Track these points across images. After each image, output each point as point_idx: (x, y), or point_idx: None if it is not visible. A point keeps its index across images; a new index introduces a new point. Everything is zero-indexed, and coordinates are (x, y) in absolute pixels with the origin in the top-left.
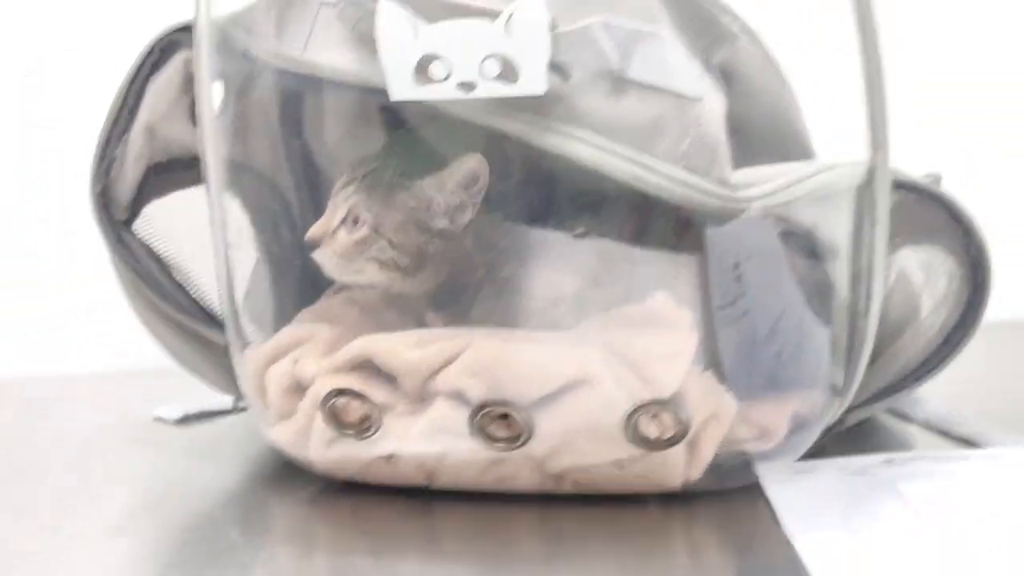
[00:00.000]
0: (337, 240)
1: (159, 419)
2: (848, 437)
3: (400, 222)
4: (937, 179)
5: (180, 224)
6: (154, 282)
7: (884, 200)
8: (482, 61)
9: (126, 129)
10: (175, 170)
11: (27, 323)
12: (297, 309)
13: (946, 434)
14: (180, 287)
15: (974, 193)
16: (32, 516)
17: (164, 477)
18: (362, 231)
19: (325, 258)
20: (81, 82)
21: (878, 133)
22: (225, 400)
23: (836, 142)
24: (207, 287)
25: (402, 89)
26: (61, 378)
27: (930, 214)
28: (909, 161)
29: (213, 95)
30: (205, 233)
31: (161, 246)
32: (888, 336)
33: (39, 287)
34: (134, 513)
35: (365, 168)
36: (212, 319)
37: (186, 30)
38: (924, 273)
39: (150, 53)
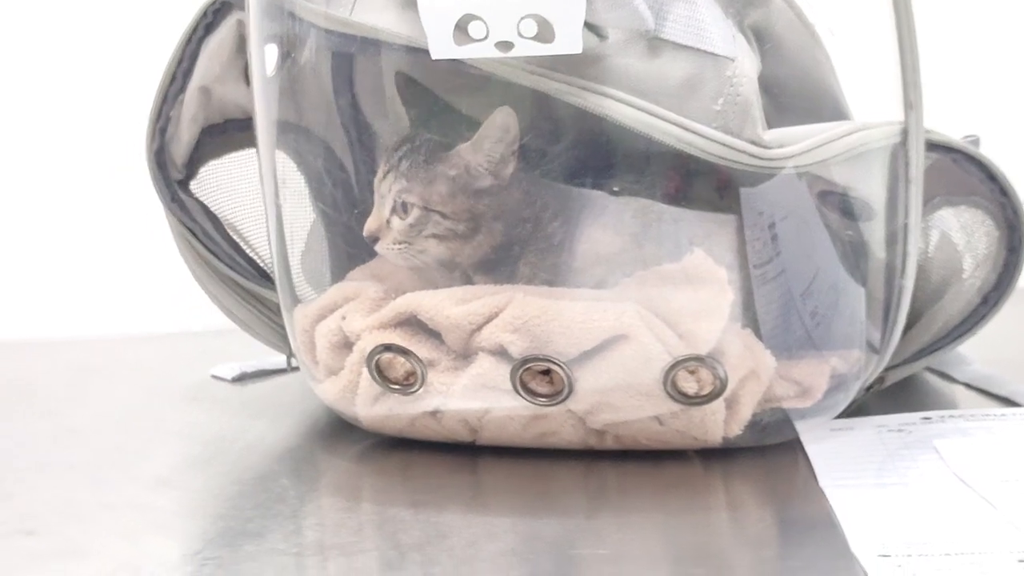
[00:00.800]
0: (393, 229)
1: (216, 377)
2: (891, 395)
3: (446, 193)
4: (976, 141)
5: (237, 184)
6: (209, 240)
7: (918, 160)
8: (519, 21)
9: (181, 90)
10: (230, 131)
11: (87, 285)
12: (351, 267)
13: (987, 393)
14: (235, 245)
15: (1014, 156)
16: (79, 471)
17: (218, 433)
18: (414, 213)
19: (386, 249)
20: (137, 43)
21: (911, 93)
22: (279, 359)
23: (873, 104)
24: (261, 246)
25: (442, 48)
26: (121, 338)
27: (967, 175)
28: (948, 123)
29: (265, 56)
30: (259, 193)
31: (217, 205)
32: (931, 296)
33: (99, 249)
34: (185, 466)
35: (399, 154)
36: (266, 277)
37: None
38: (965, 234)
39: (204, 15)
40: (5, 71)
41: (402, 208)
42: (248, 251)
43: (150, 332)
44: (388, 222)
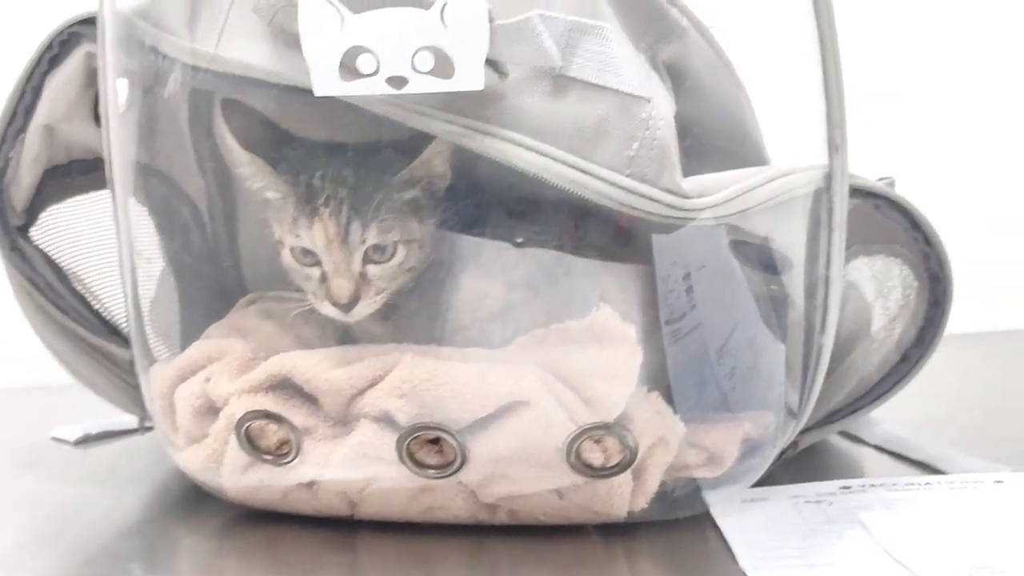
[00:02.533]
0: (373, 281)
1: (57, 440)
2: (798, 461)
3: (416, 220)
4: (891, 183)
5: (81, 231)
6: (52, 292)
7: (842, 207)
8: (414, 54)
9: (22, 129)
10: (75, 173)
11: None
12: (207, 322)
13: (902, 457)
14: (80, 298)
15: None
16: None
17: (61, 504)
18: (399, 252)
19: (367, 306)
20: None
21: (836, 134)
22: (127, 420)
23: (779, 143)
24: (108, 299)
25: (327, 84)
26: None
27: (888, 223)
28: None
29: (119, 92)
30: (106, 241)
31: (59, 254)
32: (839, 352)
33: None
34: (28, 545)
35: (335, 199)
36: (114, 333)
37: (88, 23)
38: (876, 283)
39: (48, 47)
40: None
41: (382, 251)
42: (94, 303)
43: None
44: (363, 274)
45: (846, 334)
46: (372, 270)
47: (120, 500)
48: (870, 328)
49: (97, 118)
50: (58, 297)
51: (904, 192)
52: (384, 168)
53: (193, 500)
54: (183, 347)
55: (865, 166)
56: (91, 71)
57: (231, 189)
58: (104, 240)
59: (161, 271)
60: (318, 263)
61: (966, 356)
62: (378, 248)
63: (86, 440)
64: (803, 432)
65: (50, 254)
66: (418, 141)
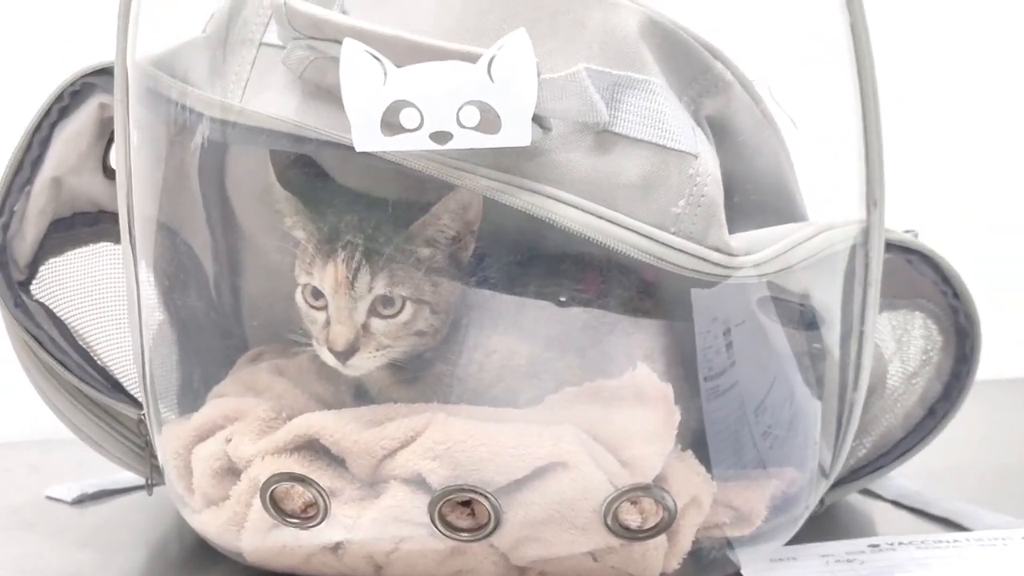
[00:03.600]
0: (376, 334)
1: (52, 499)
2: (815, 519)
3: (429, 282)
4: (915, 235)
5: (79, 285)
6: (55, 348)
7: (878, 261)
8: (460, 109)
9: (29, 181)
10: (77, 226)
11: None
12: (207, 378)
13: (921, 513)
14: (84, 354)
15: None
16: None
17: (57, 570)
18: (407, 309)
19: (365, 360)
20: None
21: (874, 190)
22: (125, 477)
23: (824, 199)
24: (108, 355)
25: (368, 140)
26: None
27: (918, 277)
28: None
29: (133, 144)
30: (106, 295)
31: (61, 308)
32: None
33: None
34: None
35: (349, 245)
36: (118, 389)
37: (101, 73)
38: (895, 338)
39: (59, 98)
40: None
41: (388, 304)
42: (97, 360)
43: None
44: (366, 326)
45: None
46: (376, 323)
47: (128, 563)
48: (885, 383)
49: (105, 170)
50: (62, 353)
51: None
52: (405, 221)
53: (200, 562)
54: (181, 405)
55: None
56: (103, 122)
57: (237, 244)
58: (104, 294)
59: (159, 324)
60: (325, 308)
61: (988, 404)
62: (385, 301)
63: (83, 499)
64: (830, 489)
65: (52, 309)
66: (436, 192)
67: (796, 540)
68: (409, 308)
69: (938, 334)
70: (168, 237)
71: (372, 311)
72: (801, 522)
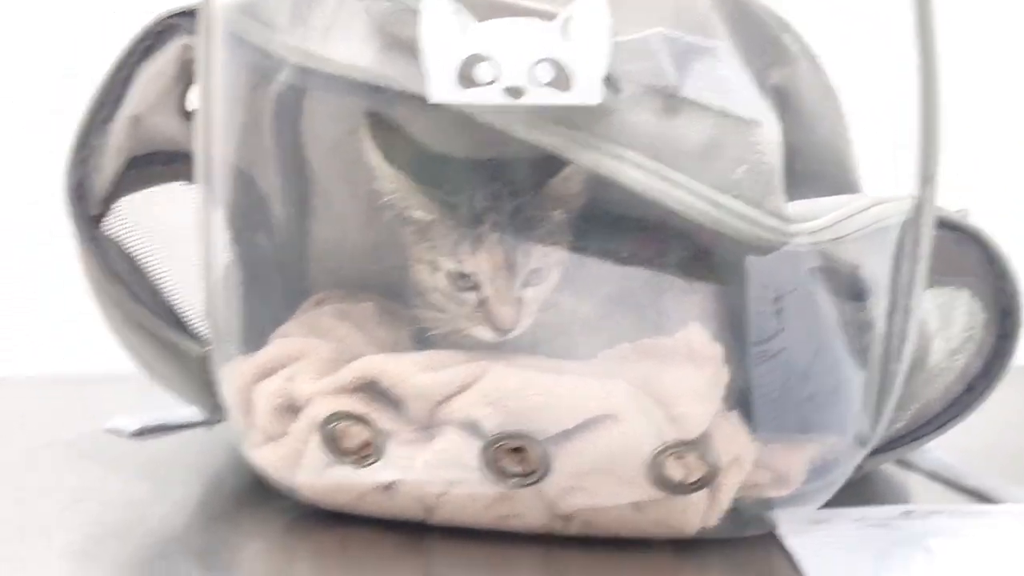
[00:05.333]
0: (527, 303)
1: (112, 431)
2: (851, 485)
3: (561, 243)
4: (965, 214)
5: (151, 223)
6: (126, 284)
7: (928, 237)
8: (533, 65)
9: (109, 118)
10: (154, 164)
11: None
12: (271, 319)
13: (954, 486)
14: (154, 290)
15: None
16: None
17: (116, 500)
18: (552, 274)
19: (519, 329)
20: (56, 65)
21: (929, 165)
22: (185, 413)
23: (879, 173)
24: (176, 292)
25: (444, 91)
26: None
27: (964, 256)
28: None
29: (213, 87)
30: (176, 234)
31: (133, 244)
32: None
33: None
34: (82, 544)
35: (502, 230)
36: (185, 326)
37: (186, 15)
38: (940, 314)
39: (143, 38)
40: None
41: (538, 275)
42: (166, 296)
43: (33, 375)
44: (519, 299)
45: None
46: (528, 293)
47: (178, 496)
48: (927, 359)
49: (183, 111)
50: (133, 289)
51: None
52: (533, 189)
53: (255, 498)
54: (245, 343)
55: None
56: (184, 64)
57: (309, 192)
58: (174, 233)
59: (227, 265)
60: (475, 288)
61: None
62: (536, 272)
63: (143, 433)
64: (867, 457)
65: (124, 245)
66: (551, 158)
67: (832, 504)
68: (555, 272)
69: (981, 311)
70: (242, 180)
71: (525, 283)
72: (837, 487)
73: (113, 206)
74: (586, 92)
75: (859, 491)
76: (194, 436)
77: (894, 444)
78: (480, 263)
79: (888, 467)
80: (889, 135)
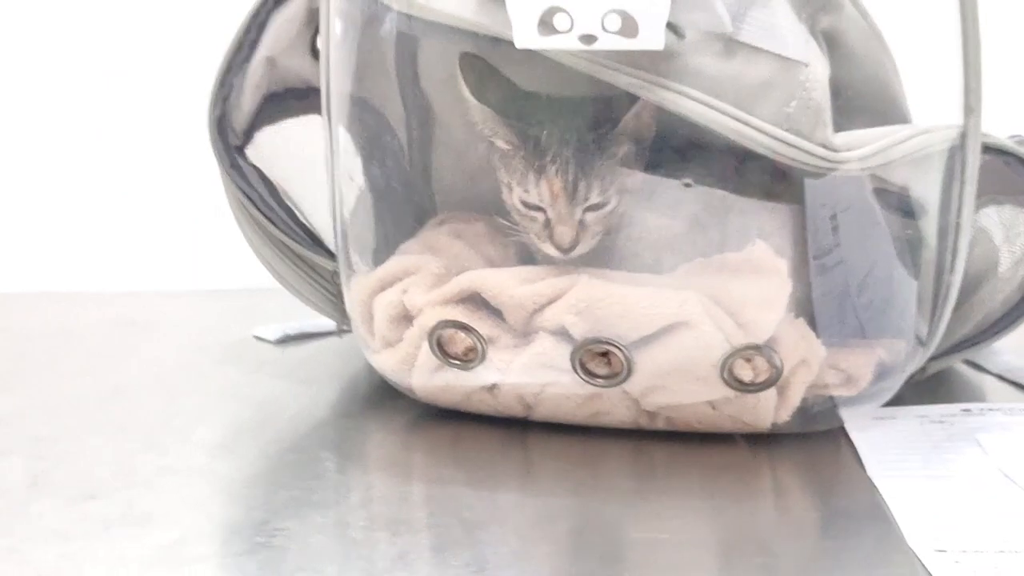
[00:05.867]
0: (590, 227)
1: (258, 338)
2: (925, 385)
3: (626, 173)
4: (1021, 140)
5: (292, 151)
6: (264, 206)
7: (974, 162)
8: (604, 15)
9: (247, 59)
10: (288, 99)
11: (130, 239)
12: (400, 239)
13: (1020, 386)
14: (289, 211)
15: None
16: (133, 433)
17: (262, 399)
18: (612, 200)
19: (582, 249)
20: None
21: (971, 98)
22: (323, 323)
23: (931, 105)
24: (313, 214)
25: (527, 37)
26: (161, 294)
27: (1017, 177)
28: (995, 122)
29: (336, 31)
30: (313, 162)
31: (271, 171)
32: (967, 289)
33: (144, 205)
34: (239, 433)
35: (564, 163)
36: (317, 244)
37: None
38: (1004, 230)
39: None
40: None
41: (600, 204)
42: (301, 217)
43: (190, 288)
44: (582, 222)
45: (975, 273)
46: (589, 217)
47: (315, 396)
48: (997, 269)
49: (314, 52)
50: (269, 210)
51: None
52: (601, 126)
53: (381, 398)
54: (376, 261)
55: (999, 124)
56: (311, 10)
57: (429, 122)
58: (311, 161)
59: (360, 191)
60: (542, 210)
61: None
62: (596, 198)
63: (285, 340)
64: (931, 359)
65: (263, 171)
66: (622, 97)
67: (905, 403)
68: (615, 198)
69: None
70: (369, 112)
71: (587, 209)
72: (898, 386)
73: (254, 137)
74: (650, 38)
75: (937, 390)
76: (331, 343)
77: (958, 347)
78: (543, 192)
79: (966, 370)
80: (937, 72)
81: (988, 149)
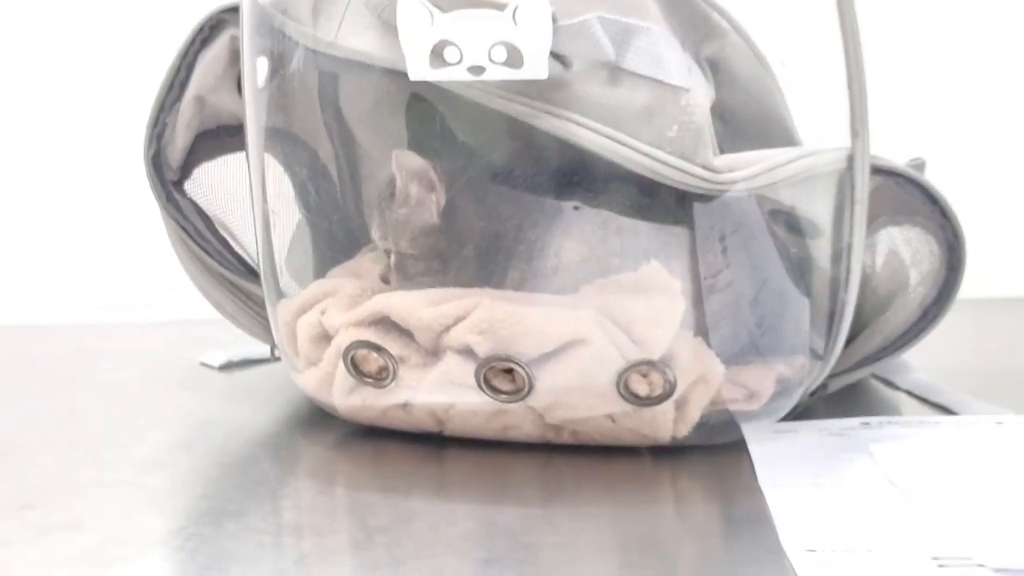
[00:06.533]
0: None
1: (204, 364)
2: (837, 401)
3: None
4: (921, 165)
5: (228, 185)
6: (200, 238)
7: (863, 184)
8: (491, 47)
9: (178, 98)
10: (223, 136)
11: (86, 273)
12: (334, 265)
13: (926, 401)
14: (224, 243)
15: (958, 178)
16: (80, 450)
17: (205, 418)
18: (393, 259)
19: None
20: (134, 57)
21: (857, 122)
22: (263, 349)
23: (823, 129)
24: (249, 244)
25: (419, 70)
26: (115, 325)
27: (909, 197)
28: (895, 147)
29: (257, 70)
30: (244, 195)
31: (208, 204)
32: (878, 308)
33: (98, 243)
34: (175, 449)
35: (380, 201)
36: (253, 273)
37: (232, 11)
38: (910, 249)
39: (200, 30)
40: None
41: (387, 255)
42: (236, 248)
43: (144, 320)
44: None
45: (885, 292)
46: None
47: (254, 416)
48: (907, 289)
49: (240, 90)
50: (205, 242)
51: (935, 171)
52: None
53: (313, 418)
54: (302, 286)
55: (895, 149)
56: (235, 51)
57: (355, 151)
58: (247, 193)
59: (298, 221)
60: None
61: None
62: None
63: (228, 366)
64: (834, 376)
65: (201, 205)
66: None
67: (812, 417)
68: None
69: (936, 247)
70: (299, 147)
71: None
72: (796, 400)
73: (192, 173)
74: (535, 68)
75: (846, 405)
76: (272, 368)
77: (859, 364)
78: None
79: (878, 387)
80: (828, 97)
81: (880, 171)
